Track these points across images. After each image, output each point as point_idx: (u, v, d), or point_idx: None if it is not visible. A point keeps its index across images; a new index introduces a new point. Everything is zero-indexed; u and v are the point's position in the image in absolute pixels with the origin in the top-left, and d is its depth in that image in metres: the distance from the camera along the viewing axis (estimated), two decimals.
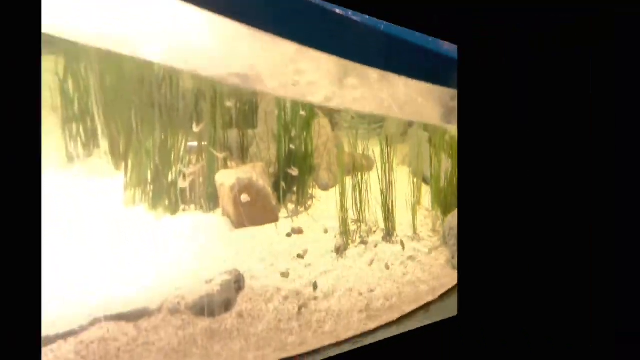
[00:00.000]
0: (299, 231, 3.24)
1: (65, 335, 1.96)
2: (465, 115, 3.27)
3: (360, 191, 3.37)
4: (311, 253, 3.01)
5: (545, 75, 2.47)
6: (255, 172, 3.21)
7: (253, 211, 3.17)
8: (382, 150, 3.26)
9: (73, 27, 2.17)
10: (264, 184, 3.26)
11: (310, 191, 3.64)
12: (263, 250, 3.00)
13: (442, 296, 3.00)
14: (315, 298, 2.68)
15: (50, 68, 2.59)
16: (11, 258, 1.49)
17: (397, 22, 2.90)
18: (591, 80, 1.93)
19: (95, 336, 2.00)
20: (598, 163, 2.20)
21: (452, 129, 3.57)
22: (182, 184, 2.89)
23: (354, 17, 2.73)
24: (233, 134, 3.41)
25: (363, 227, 3.34)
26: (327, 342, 2.43)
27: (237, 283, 2.55)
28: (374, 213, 3.39)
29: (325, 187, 3.76)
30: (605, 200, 2.24)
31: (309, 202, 3.58)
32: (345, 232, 3.17)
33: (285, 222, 3.31)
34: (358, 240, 3.21)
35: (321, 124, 3.78)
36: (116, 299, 2.12)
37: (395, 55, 3.00)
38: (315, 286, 2.71)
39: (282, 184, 3.38)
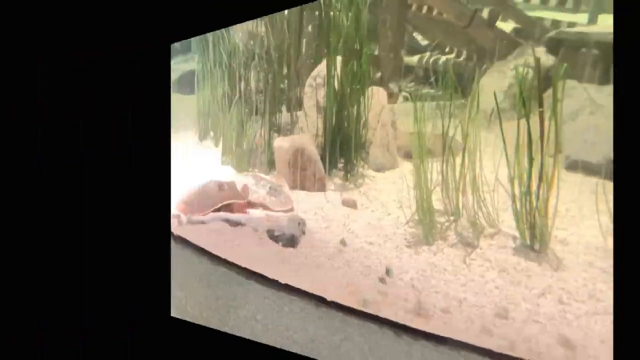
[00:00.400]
0: (352, 204, 3.14)
1: None
2: None
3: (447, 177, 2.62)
4: (370, 233, 2.72)
5: None
6: (306, 139, 3.40)
7: (304, 176, 3.33)
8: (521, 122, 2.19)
9: None
10: (314, 150, 3.37)
11: (360, 170, 3.63)
12: (317, 214, 3.09)
13: None
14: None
15: None
16: None
17: None
18: None
19: None
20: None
21: None
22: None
23: None
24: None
25: (464, 222, 2.62)
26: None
27: (301, 226, 2.70)
28: (489, 209, 2.56)
29: (379, 168, 3.69)
30: None
31: (360, 181, 3.55)
32: (425, 221, 2.51)
33: (333, 195, 3.36)
34: (454, 238, 2.51)
35: (374, 94, 3.65)
36: None
37: None
38: (389, 272, 2.30)
39: (327, 154, 3.50)
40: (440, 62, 5.15)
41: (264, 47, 3.68)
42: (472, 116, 2.38)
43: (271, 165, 3.57)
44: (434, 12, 5.22)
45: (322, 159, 3.50)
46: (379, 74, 4.82)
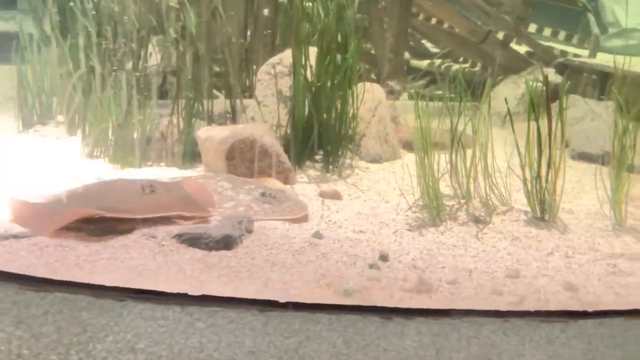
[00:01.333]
0: (334, 195, 2.78)
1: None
2: None
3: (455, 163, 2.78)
4: (360, 222, 2.55)
5: None
6: (258, 130, 2.94)
7: (257, 169, 2.84)
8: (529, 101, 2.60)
9: None
10: (273, 142, 2.92)
11: (348, 161, 3.31)
12: None
13: None
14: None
15: None
16: None
17: None
18: None
19: None
20: None
21: None
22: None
23: None
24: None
25: (475, 204, 2.76)
26: None
27: (244, 224, 2.22)
28: (501, 191, 2.77)
29: (375, 159, 3.41)
30: None
31: (347, 172, 3.21)
32: (432, 206, 2.59)
33: (305, 187, 2.93)
34: (465, 218, 2.63)
35: (367, 87, 3.42)
36: None
37: None
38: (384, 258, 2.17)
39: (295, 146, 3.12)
40: (453, 68, 5.56)
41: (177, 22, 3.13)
42: (485, 114, 2.76)
43: (192, 157, 3.04)
44: (445, 25, 5.54)
45: (288, 151, 3.06)
46: (369, 71, 4.82)
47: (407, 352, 1.34)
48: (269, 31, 3.66)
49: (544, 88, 2.67)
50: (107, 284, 1.60)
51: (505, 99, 3.02)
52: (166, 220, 2.17)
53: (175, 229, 2.08)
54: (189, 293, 1.53)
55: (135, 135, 2.97)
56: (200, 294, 1.53)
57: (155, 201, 2.20)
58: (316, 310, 1.47)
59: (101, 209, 2.10)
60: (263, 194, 2.38)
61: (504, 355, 1.35)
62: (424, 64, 5.39)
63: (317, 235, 2.31)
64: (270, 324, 1.40)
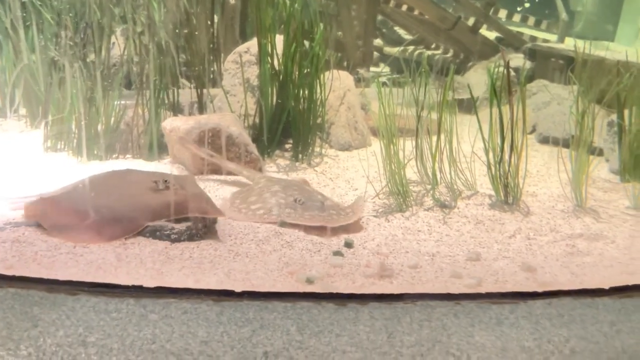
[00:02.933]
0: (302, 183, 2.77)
1: None
2: None
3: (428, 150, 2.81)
4: None
5: None
6: (225, 120, 2.90)
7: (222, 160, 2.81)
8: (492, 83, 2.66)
9: None
10: (240, 131, 2.89)
11: (317, 150, 3.30)
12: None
13: None
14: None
15: None
16: None
17: None
18: None
19: None
20: None
21: None
22: None
23: None
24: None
25: (441, 189, 2.81)
26: None
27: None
28: (466, 176, 2.82)
29: (344, 147, 3.42)
30: None
31: (317, 160, 3.21)
32: (399, 192, 2.61)
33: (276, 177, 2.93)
34: (431, 203, 2.66)
35: (336, 75, 3.44)
36: None
37: None
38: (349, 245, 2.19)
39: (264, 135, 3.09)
40: (425, 55, 5.55)
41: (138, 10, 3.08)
42: (449, 101, 2.82)
43: (160, 149, 3.00)
44: (415, 12, 5.54)
45: (257, 140, 3.04)
46: (340, 59, 4.81)
47: (360, 337, 1.36)
48: (237, 19, 3.62)
49: (506, 73, 2.70)
50: (64, 278, 1.58)
51: (468, 85, 3.06)
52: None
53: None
54: (144, 285, 1.52)
55: (99, 127, 2.93)
56: (155, 285, 1.52)
57: (169, 199, 2.03)
58: (272, 298, 1.48)
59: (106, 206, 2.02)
60: (295, 200, 2.30)
61: (453, 337, 1.38)
62: (395, 50, 5.39)
63: (283, 223, 2.31)
64: (224, 314, 1.40)
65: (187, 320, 1.35)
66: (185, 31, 3.26)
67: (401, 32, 5.76)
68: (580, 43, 3.06)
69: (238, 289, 1.66)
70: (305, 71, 3.11)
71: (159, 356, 1.23)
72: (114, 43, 3.18)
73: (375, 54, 5.38)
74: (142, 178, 2.19)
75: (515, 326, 1.44)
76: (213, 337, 1.31)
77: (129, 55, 3.10)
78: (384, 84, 2.81)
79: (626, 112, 3.05)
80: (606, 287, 1.67)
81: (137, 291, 1.46)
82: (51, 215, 2.03)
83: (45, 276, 1.68)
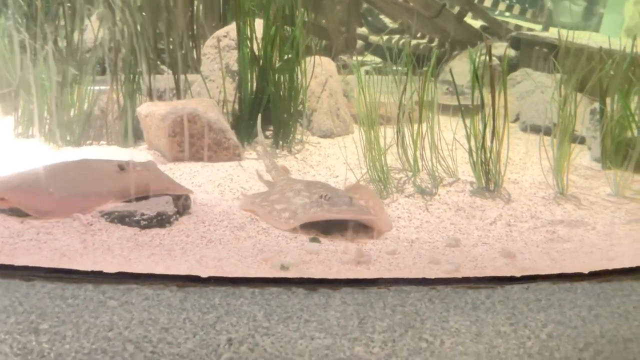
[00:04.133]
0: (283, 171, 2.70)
1: None
2: None
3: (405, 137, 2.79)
4: None
5: None
6: (202, 105, 2.81)
7: (201, 146, 2.74)
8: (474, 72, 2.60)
9: None
10: (218, 117, 2.80)
11: (299, 137, 3.23)
12: (222, 185, 2.53)
13: None
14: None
15: None
16: None
17: None
18: None
19: None
20: None
21: None
22: None
23: None
24: None
25: (423, 177, 2.77)
26: None
27: (182, 201, 2.13)
28: (448, 163, 2.81)
29: (326, 134, 3.36)
30: None
31: (298, 147, 3.14)
32: (379, 179, 2.59)
33: (253, 164, 2.85)
34: (412, 190, 2.62)
35: (318, 61, 3.35)
36: None
37: None
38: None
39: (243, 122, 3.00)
40: (408, 43, 5.46)
41: None
42: (432, 89, 2.78)
43: (136, 135, 2.92)
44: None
45: (236, 127, 2.96)
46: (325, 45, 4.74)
47: (329, 323, 1.30)
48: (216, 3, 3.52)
49: (488, 60, 2.67)
50: (19, 264, 1.49)
51: (450, 70, 3.01)
52: None
53: (105, 207, 1.98)
54: (104, 271, 1.44)
55: (72, 113, 2.82)
56: (116, 271, 1.44)
57: (137, 180, 2.06)
58: (240, 284, 1.41)
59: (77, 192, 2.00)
60: (320, 196, 2.18)
61: (427, 322, 1.32)
62: (382, 38, 5.35)
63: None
64: (188, 300, 1.33)
65: (148, 306, 1.28)
66: (163, 14, 3.16)
67: (387, 20, 5.70)
68: (563, 31, 3.01)
69: (200, 274, 1.57)
70: (286, 56, 3.04)
71: (116, 343, 1.16)
72: (86, 25, 3.07)
73: (361, 42, 5.31)
74: (103, 164, 2.16)
75: (491, 311, 1.39)
76: (175, 323, 1.24)
77: (103, 39, 2.99)
78: (367, 72, 2.76)
79: (608, 100, 3.03)
80: (583, 271, 1.63)
81: (97, 277, 1.39)
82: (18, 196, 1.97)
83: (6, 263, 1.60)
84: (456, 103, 2.76)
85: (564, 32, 3.02)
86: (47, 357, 1.13)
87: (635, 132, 2.81)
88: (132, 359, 1.13)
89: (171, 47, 3.19)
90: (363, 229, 2.11)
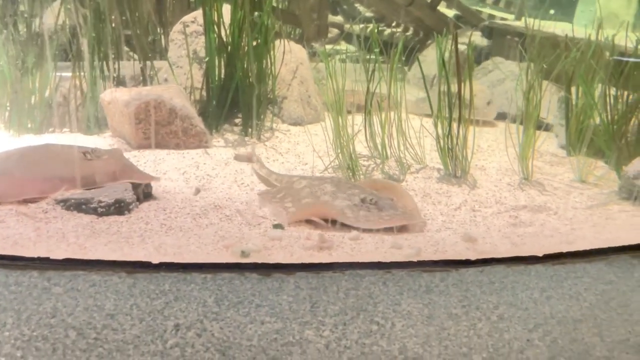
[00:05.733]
0: (248, 158, 2.67)
1: None
2: None
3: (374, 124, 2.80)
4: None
5: None
6: (168, 92, 2.75)
7: (166, 133, 2.69)
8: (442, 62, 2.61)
9: None
10: (184, 104, 2.74)
11: (268, 124, 3.19)
12: (187, 173, 2.49)
13: None
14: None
15: None
16: None
17: None
18: None
19: None
20: None
21: None
22: None
23: None
24: None
25: (391, 164, 2.77)
26: None
27: (141, 188, 2.09)
28: (416, 150, 2.81)
29: (296, 122, 3.31)
30: None
31: (267, 135, 3.10)
32: (348, 166, 2.58)
33: (221, 151, 2.81)
34: (380, 177, 2.62)
35: (288, 48, 3.29)
36: None
37: None
38: None
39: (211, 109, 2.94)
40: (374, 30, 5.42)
41: None
42: (398, 77, 2.80)
43: (99, 122, 2.87)
44: None
45: (203, 114, 2.91)
46: (297, 32, 4.70)
47: (281, 307, 1.28)
48: None
49: (455, 49, 2.65)
50: None
51: (418, 59, 2.99)
52: None
53: (60, 194, 1.93)
54: (51, 257, 1.40)
55: (32, 100, 2.74)
56: (63, 258, 1.40)
57: (103, 167, 2.02)
58: (192, 270, 1.38)
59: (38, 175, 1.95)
60: (363, 200, 2.11)
61: (379, 306, 1.31)
62: (356, 28, 5.32)
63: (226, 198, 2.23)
64: (137, 286, 1.30)
65: (95, 293, 1.25)
66: None
67: (362, 8, 5.66)
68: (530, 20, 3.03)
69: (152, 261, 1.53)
70: (255, 42, 2.99)
71: (58, 330, 1.13)
72: (47, 9, 2.96)
73: (337, 30, 5.26)
74: (67, 149, 2.10)
75: (444, 294, 1.39)
76: (121, 310, 1.21)
77: (65, 23, 2.89)
78: (342, 60, 2.73)
79: (574, 88, 3.06)
80: (540, 254, 1.65)
81: (43, 263, 1.35)
82: None
83: None
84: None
85: (530, 20, 3.04)
86: None
87: (598, 119, 2.85)
88: (74, 346, 1.10)
89: (138, 32, 3.10)
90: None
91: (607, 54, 2.95)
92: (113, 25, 2.88)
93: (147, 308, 1.23)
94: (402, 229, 2.02)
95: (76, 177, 1.98)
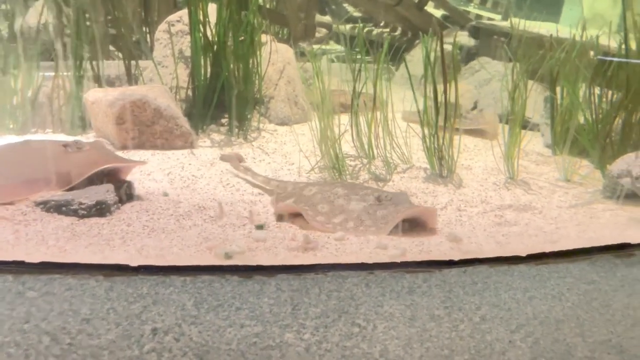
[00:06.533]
0: (234, 159, 2.63)
1: None
2: None
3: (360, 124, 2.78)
4: None
5: None
6: (153, 92, 2.71)
7: (150, 132, 2.65)
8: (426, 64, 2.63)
9: None
10: (169, 104, 2.71)
11: (255, 124, 3.17)
12: (173, 173, 2.46)
13: None
14: None
15: None
16: None
17: None
18: None
19: None
20: None
21: None
22: None
23: None
24: None
25: (378, 164, 2.76)
26: None
27: (124, 190, 2.05)
28: (402, 150, 2.80)
29: (283, 122, 3.29)
30: None
31: (254, 135, 3.07)
32: (334, 166, 2.57)
33: (207, 151, 2.78)
34: (366, 177, 2.60)
35: (275, 48, 3.29)
36: None
37: None
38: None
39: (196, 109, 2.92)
40: (360, 30, 5.43)
41: None
42: (384, 77, 2.79)
43: (83, 123, 2.84)
44: None
45: (189, 114, 2.87)
46: (283, 32, 4.69)
47: (262, 310, 1.26)
48: None
49: (441, 49, 2.64)
50: None
51: (404, 59, 2.99)
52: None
53: (40, 196, 1.89)
54: (26, 261, 1.36)
55: (14, 100, 2.68)
56: (39, 261, 1.37)
57: (86, 158, 2.00)
58: (171, 272, 1.35)
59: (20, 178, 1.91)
60: (379, 198, 2.07)
61: (362, 307, 1.30)
62: (344, 27, 5.30)
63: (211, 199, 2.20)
64: (114, 290, 1.27)
65: (70, 297, 1.21)
66: None
67: (350, 9, 5.65)
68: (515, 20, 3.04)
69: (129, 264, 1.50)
70: (240, 38, 2.94)
71: (31, 336, 1.10)
72: (29, 8, 2.91)
73: (325, 30, 5.24)
74: (47, 144, 2.06)
75: (427, 295, 1.37)
76: (97, 314, 1.18)
77: (48, 22, 2.84)
78: (332, 60, 2.72)
79: (559, 88, 3.06)
80: (524, 254, 1.64)
81: (18, 267, 1.31)
82: None
83: None
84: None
85: (515, 20, 3.04)
86: None
87: (582, 119, 2.86)
88: (47, 352, 1.07)
89: (122, 31, 3.05)
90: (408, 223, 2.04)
91: (592, 53, 2.97)
92: (97, 24, 2.83)
93: (124, 312, 1.20)
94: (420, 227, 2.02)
95: (58, 174, 1.94)
